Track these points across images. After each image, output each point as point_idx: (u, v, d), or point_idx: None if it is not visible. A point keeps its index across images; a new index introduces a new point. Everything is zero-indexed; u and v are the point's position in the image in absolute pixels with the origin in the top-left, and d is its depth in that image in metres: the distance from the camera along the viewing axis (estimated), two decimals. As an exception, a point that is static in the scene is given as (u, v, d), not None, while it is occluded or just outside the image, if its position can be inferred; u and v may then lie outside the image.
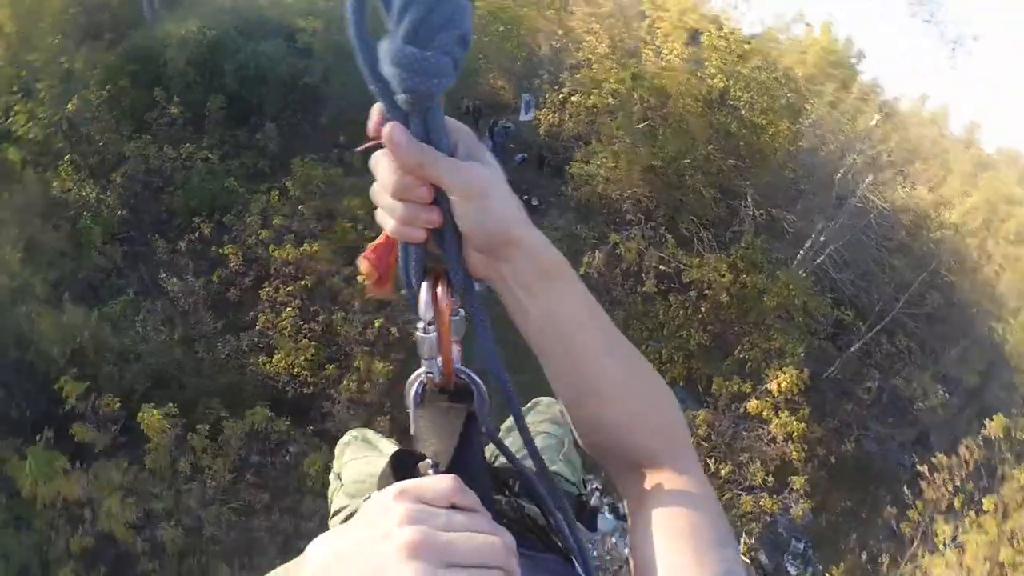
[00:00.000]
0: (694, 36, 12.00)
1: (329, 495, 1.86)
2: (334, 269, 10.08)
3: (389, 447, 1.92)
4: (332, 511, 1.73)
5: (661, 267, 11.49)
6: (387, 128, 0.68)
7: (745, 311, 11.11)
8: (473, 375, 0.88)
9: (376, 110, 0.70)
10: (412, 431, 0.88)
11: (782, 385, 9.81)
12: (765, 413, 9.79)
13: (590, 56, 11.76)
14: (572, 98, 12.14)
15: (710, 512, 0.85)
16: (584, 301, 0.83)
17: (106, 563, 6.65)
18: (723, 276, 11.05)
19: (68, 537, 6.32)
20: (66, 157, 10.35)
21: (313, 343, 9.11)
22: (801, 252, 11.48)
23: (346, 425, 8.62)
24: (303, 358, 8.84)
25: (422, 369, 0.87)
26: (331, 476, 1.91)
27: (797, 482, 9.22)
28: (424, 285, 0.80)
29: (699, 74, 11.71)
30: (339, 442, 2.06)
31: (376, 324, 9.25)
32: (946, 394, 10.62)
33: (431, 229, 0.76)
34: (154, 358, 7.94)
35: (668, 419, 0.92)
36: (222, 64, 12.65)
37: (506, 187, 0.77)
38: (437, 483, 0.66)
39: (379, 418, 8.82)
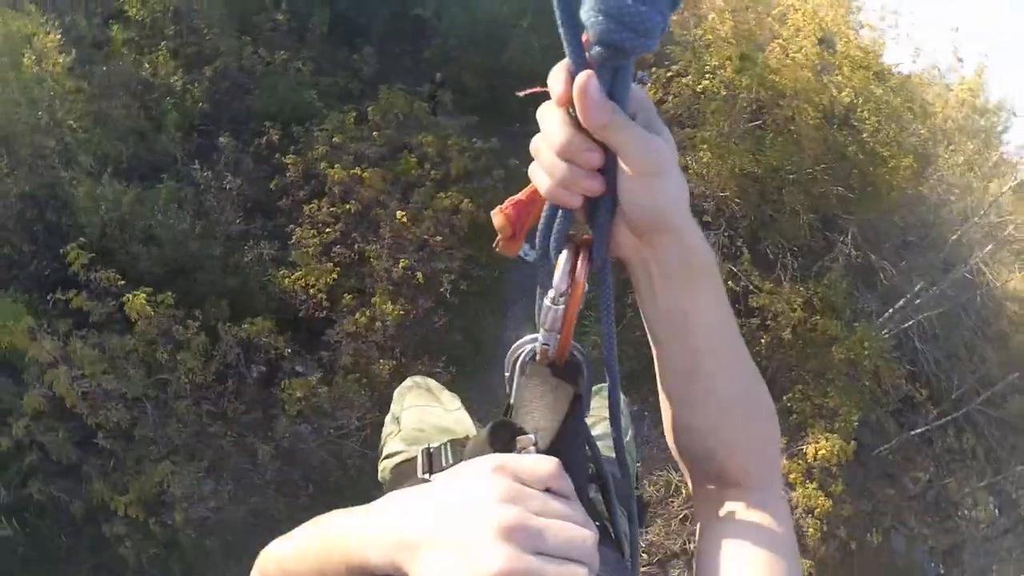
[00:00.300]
0: (829, 42, 10.56)
1: (383, 436, 1.86)
2: (385, 200, 9.83)
3: (451, 401, 1.90)
4: (384, 453, 1.74)
5: (729, 282, 10.42)
6: (582, 77, 0.65)
7: (807, 356, 9.91)
8: (583, 356, 0.87)
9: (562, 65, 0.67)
10: (512, 399, 0.88)
11: (820, 452, 8.74)
12: (792, 476, 8.77)
13: (709, 36, 10.60)
14: (683, 79, 11.06)
15: (787, 555, 0.80)
16: (720, 307, 0.81)
17: (65, 428, 6.90)
18: (794, 311, 9.86)
19: (24, 393, 6.58)
20: (162, 44, 10.60)
21: (338, 268, 8.94)
22: (891, 310, 10.05)
23: (342, 359, 8.50)
24: (323, 280, 8.68)
25: (534, 337, 0.86)
26: (388, 418, 1.91)
27: (804, 565, 8.25)
28: (564, 255, 0.78)
29: (825, 81, 10.34)
30: (401, 386, 2.04)
31: (401, 264, 8.93)
32: (996, 510, 9.18)
33: (586, 197, 0.72)
34: (171, 247, 8.00)
35: (769, 446, 0.90)
36: (335, -21, 12.59)
37: (679, 170, 0.72)
38: (539, 464, 0.64)
39: (382, 360, 8.60)
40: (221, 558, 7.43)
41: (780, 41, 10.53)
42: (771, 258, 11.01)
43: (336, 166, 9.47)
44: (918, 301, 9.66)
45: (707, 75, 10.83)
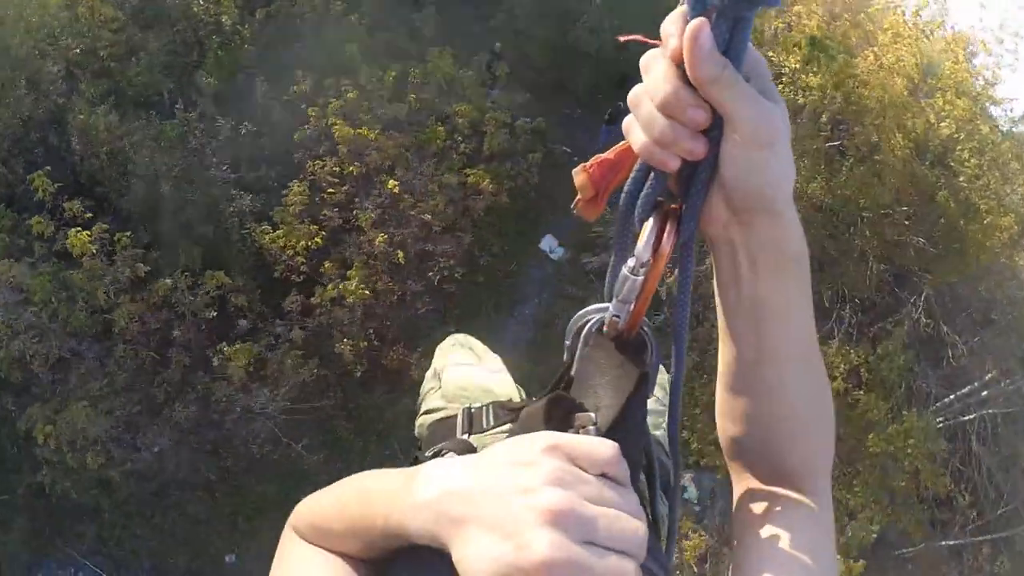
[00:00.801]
0: (930, 68, 8.80)
1: (422, 390, 1.82)
2: (394, 167, 9.22)
3: (494, 362, 1.86)
4: (424, 408, 1.69)
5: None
6: (693, 24, 0.59)
7: (838, 438, 8.45)
8: (652, 333, 0.82)
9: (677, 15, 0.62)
10: (574, 371, 0.83)
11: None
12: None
13: (794, 31, 9.12)
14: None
15: (828, 558, 0.80)
16: (802, 301, 0.78)
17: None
18: (835, 378, 8.48)
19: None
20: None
21: (323, 232, 8.47)
22: (952, 396, 8.39)
23: (293, 333, 8.06)
24: (303, 244, 8.25)
25: (603, 306, 0.80)
26: (428, 373, 1.86)
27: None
28: (650, 222, 0.72)
29: (922, 104, 8.66)
30: (443, 342, 1.99)
31: (378, 239, 8.28)
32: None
33: (684, 162, 0.66)
34: (148, 185, 7.79)
35: (827, 448, 0.88)
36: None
37: (790, 147, 0.67)
38: (596, 447, 0.60)
39: (346, 340, 8.09)
40: (124, 505, 7.35)
41: (874, 49, 8.90)
42: (826, 305, 9.50)
43: (345, 123, 8.89)
44: (985, 393, 7.95)
45: (784, 76, 9.39)
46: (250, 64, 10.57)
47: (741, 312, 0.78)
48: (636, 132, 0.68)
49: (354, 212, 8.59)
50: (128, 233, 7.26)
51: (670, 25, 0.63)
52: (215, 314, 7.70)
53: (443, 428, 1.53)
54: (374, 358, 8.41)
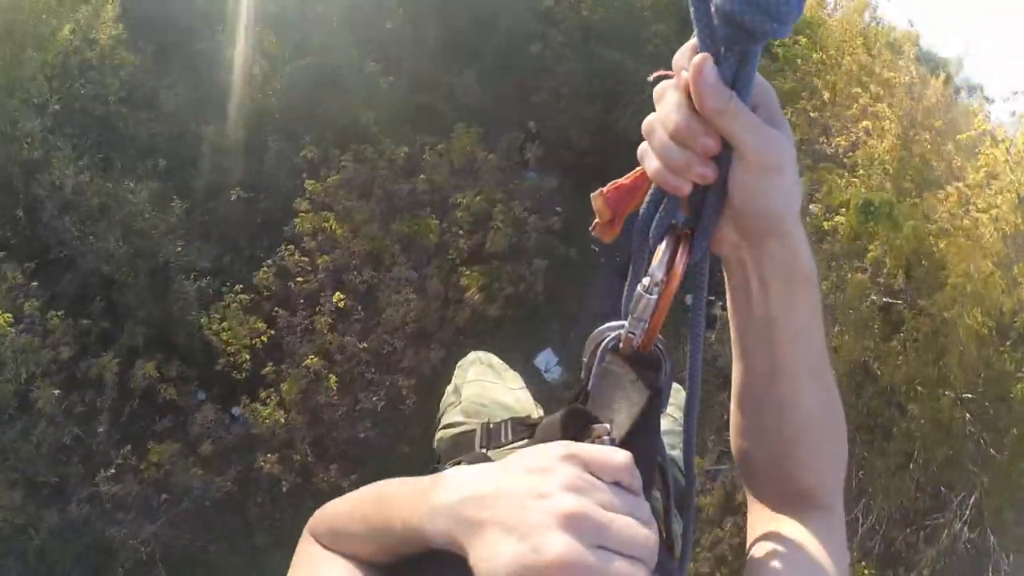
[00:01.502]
0: None
1: (442, 405, 1.90)
2: (378, 260, 8.49)
3: (514, 380, 1.91)
4: (443, 423, 1.74)
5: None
6: (698, 59, 0.65)
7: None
8: (666, 350, 0.85)
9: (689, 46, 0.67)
10: (590, 386, 0.86)
11: None
12: None
13: (859, 153, 7.72)
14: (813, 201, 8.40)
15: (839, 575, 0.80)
16: (814, 320, 0.81)
17: None
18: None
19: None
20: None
21: (272, 331, 7.85)
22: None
23: (202, 445, 7.33)
24: (244, 343, 7.65)
25: (619, 323, 0.84)
26: (449, 388, 1.93)
27: None
28: (664, 243, 0.78)
29: (1016, 274, 7.06)
30: (464, 359, 2.06)
31: (312, 360, 7.42)
32: None
33: (695, 186, 0.71)
34: (104, 252, 7.38)
35: (838, 466, 0.90)
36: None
37: (796, 170, 0.72)
38: (610, 455, 0.63)
39: (268, 456, 7.35)
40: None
41: (960, 185, 7.33)
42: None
43: (315, 214, 8.25)
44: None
45: (839, 210, 7.94)
46: (268, 120, 10.24)
47: (753, 331, 0.81)
48: (650, 159, 0.74)
49: (316, 309, 7.91)
50: (60, 312, 6.83)
51: (681, 58, 0.69)
52: (136, 403, 7.20)
53: (462, 442, 1.52)
54: (308, 471, 7.66)
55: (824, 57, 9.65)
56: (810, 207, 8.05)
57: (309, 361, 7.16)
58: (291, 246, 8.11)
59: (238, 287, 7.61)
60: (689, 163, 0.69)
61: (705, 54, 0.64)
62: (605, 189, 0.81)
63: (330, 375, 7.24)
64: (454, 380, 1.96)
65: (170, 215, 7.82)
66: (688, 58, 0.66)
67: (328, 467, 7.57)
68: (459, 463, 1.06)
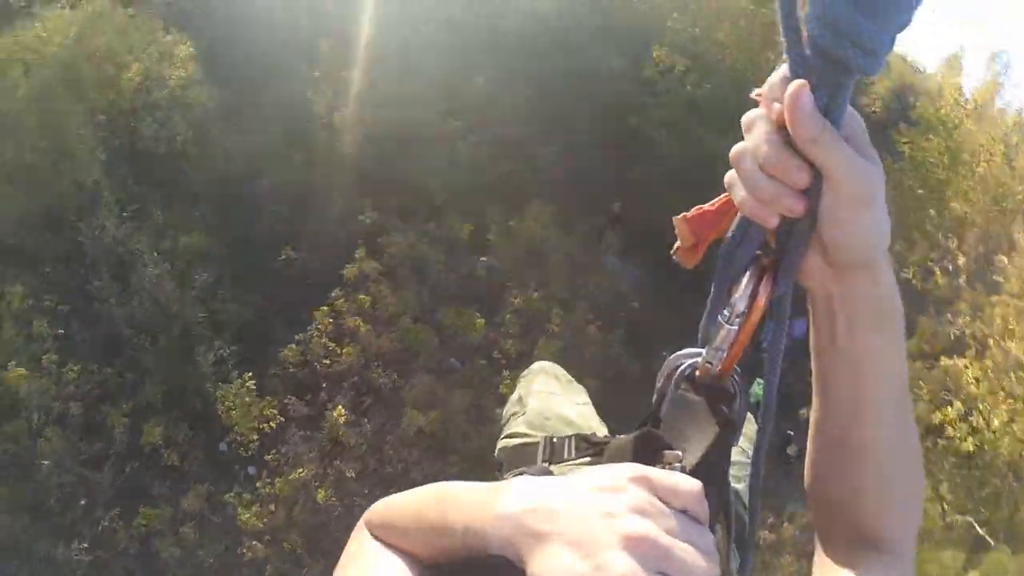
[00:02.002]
0: None
1: (505, 412, 1.86)
2: (377, 376, 7.71)
3: (578, 395, 1.88)
4: (507, 432, 1.71)
5: None
6: (795, 86, 0.63)
7: None
8: (741, 383, 0.84)
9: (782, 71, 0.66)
10: (662, 413, 0.85)
11: None
12: None
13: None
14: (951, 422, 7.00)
15: None
16: (898, 358, 0.79)
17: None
18: None
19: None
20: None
21: (283, 419, 7.22)
22: None
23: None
24: (252, 425, 7.05)
25: (696, 351, 0.83)
26: (513, 398, 1.88)
27: None
28: (748, 274, 0.76)
29: None
30: (529, 368, 2.03)
31: (296, 474, 6.74)
32: None
33: (783, 218, 0.70)
34: (123, 314, 7.05)
35: (914, 511, 0.89)
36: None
37: (885, 204, 0.71)
38: (681, 482, 0.62)
39: (255, 543, 6.75)
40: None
41: None
42: None
43: (346, 295, 7.53)
44: None
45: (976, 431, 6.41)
46: (335, 174, 9.73)
47: (836, 367, 0.78)
48: (738, 188, 0.70)
49: (331, 401, 7.21)
50: (76, 367, 6.78)
51: (771, 88, 0.66)
52: (138, 464, 6.94)
53: (524, 454, 1.52)
54: (299, 561, 7.00)
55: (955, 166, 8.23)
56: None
57: (296, 475, 6.41)
58: (324, 322, 7.42)
59: (247, 375, 7.02)
60: (778, 195, 0.67)
61: (802, 81, 0.62)
62: (689, 213, 0.79)
63: (320, 488, 6.48)
64: (518, 390, 1.93)
65: (201, 277, 7.36)
66: (780, 88, 0.64)
67: (320, 559, 6.88)
68: (521, 474, 0.97)
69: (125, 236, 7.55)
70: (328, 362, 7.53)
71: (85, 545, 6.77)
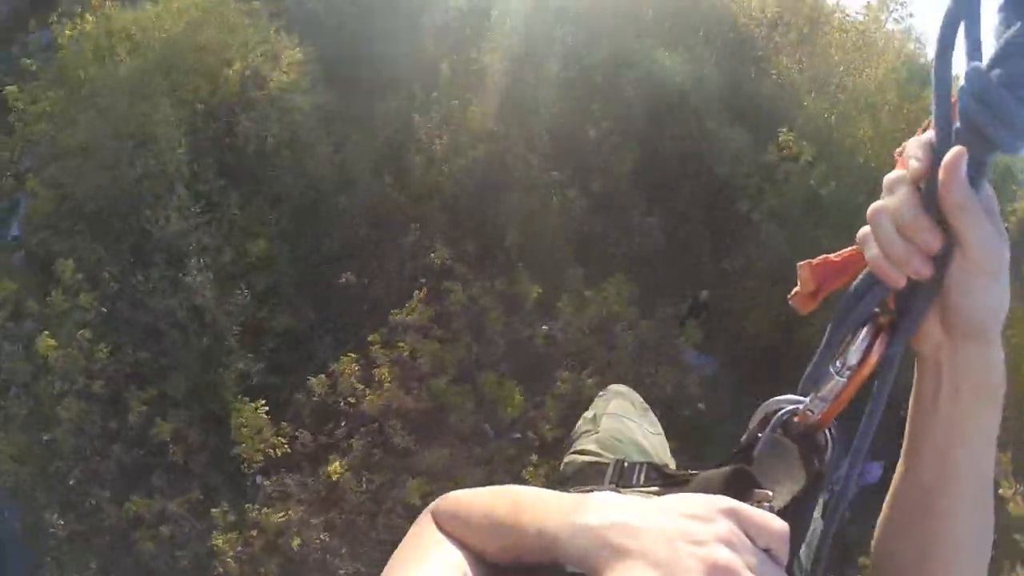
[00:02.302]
0: None
1: (577, 429, 1.85)
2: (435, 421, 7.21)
3: (653, 425, 1.87)
4: (576, 447, 1.71)
5: None
6: (956, 152, 0.65)
7: None
8: (836, 435, 0.85)
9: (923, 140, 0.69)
10: (755, 452, 0.86)
11: None
12: None
13: None
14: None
15: None
16: (992, 433, 0.80)
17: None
18: None
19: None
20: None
21: (290, 449, 6.85)
22: None
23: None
24: (259, 447, 6.71)
25: (798, 398, 0.84)
26: (587, 415, 1.88)
27: None
28: (865, 329, 0.77)
29: None
30: (608, 388, 2.01)
31: (275, 517, 6.31)
32: None
33: (908, 280, 0.72)
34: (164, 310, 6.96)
35: None
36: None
37: (1008, 281, 0.74)
38: (770, 521, 0.62)
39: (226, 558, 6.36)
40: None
41: None
42: None
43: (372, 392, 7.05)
44: None
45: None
46: (418, 205, 9.38)
47: (931, 434, 0.79)
48: (871, 246, 0.72)
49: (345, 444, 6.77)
50: (108, 347, 6.89)
51: (916, 150, 0.69)
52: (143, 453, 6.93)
53: (592, 472, 1.52)
54: None
55: None
56: None
57: (275, 517, 6.00)
58: (350, 368, 7.02)
59: (261, 402, 6.70)
60: (910, 257, 0.69)
61: (962, 148, 0.64)
62: (814, 261, 0.81)
63: (296, 537, 6.02)
64: (593, 408, 1.88)
65: (259, 281, 7.47)
66: (926, 154, 0.67)
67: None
68: (591, 491, 0.84)
69: (188, 230, 7.46)
70: (353, 401, 7.11)
71: (72, 515, 6.81)
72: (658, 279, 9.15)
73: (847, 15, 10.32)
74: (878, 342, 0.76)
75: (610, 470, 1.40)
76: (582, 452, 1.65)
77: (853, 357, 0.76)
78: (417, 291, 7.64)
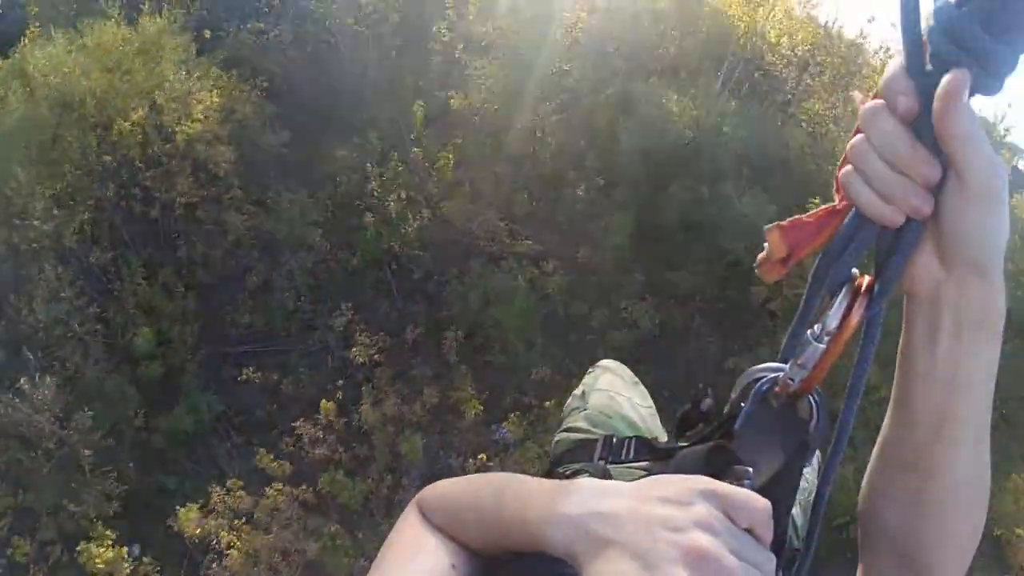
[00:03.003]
0: None
1: (566, 407, 1.84)
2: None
3: (643, 398, 1.81)
4: (566, 425, 1.71)
5: None
6: (956, 78, 0.59)
7: None
8: (821, 403, 0.81)
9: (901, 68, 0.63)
10: (736, 425, 0.82)
11: None
12: None
13: None
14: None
15: None
16: (991, 376, 0.74)
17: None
18: None
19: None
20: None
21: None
22: None
23: None
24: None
25: (778, 366, 0.80)
26: (575, 392, 1.86)
27: None
28: (843, 290, 0.73)
29: None
30: (596, 364, 1.96)
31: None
32: None
33: (885, 230, 0.68)
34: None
35: (972, 542, 0.84)
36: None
37: (1008, 206, 0.69)
38: (752, 501, 0.60)
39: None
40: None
41: None
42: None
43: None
44: None
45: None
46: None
47: (928, 379, 0.73)
48: (858, 187, 0.66)
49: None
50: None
51: (898, 83, 0.63)
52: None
53: (582, 450, 1.52)
54: None
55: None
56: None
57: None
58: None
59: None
60: (908, 194, 0.64)
61: (964, 71, 0.57)
62: (784, 223, 0.73)
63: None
64: (582, 385, 1.83)
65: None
66: (903, 83, 0.61)
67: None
68: (579, 471, 1.04)
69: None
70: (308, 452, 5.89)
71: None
72: (647, 378, 7.43)
73: (890, 55, 8.45)
74: (857, 303, 0.72)
75: (599, 446, 1.38)
76: (572, 429, 1.63)
77: (832, 321, 0.72)
78: (325, 399, 6.22)
